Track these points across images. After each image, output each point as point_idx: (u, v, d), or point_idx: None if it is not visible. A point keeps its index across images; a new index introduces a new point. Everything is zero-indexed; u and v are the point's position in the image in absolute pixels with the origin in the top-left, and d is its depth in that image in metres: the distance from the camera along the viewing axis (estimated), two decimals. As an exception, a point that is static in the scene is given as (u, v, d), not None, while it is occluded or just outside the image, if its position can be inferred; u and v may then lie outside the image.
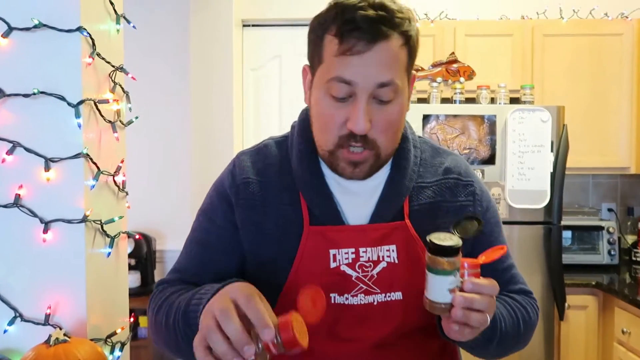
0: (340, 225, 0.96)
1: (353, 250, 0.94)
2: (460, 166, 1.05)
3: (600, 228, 2.99)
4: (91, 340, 1.22)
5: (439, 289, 0.83)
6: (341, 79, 0.88)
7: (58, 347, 1.12)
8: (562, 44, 2.97)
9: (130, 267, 2.98)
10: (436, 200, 1.00)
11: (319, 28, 0.92)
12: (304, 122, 1.02)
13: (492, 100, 2.73)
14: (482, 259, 0.86)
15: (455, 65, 2.82)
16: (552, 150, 2.58)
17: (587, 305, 2.74)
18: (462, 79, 2.77)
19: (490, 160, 2.60)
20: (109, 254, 1.33)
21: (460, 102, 2.71)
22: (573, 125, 2.71)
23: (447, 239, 0.83)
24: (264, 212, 0.98)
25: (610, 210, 3.23)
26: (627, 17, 3.03)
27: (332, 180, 0.98)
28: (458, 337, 0.86)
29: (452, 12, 3.19)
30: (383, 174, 0.99)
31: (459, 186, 1.03)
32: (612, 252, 2.96)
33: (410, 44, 0.90)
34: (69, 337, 1.15)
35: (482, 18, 3.15)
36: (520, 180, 2.57)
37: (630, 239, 3.15)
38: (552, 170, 2.59)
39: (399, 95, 0.90)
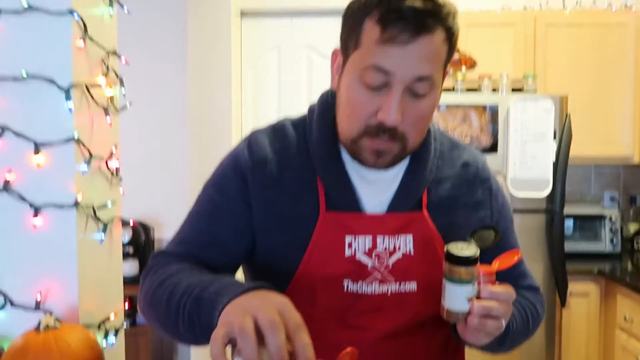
0: (358, 213, 0.92)
1: (370, 238, 0.90)
2: (477, 161, 1.02)
3: (603, 217, 2.91)
4: (83, 326, 1.18)
5: (456, 297, 0.81)
6: (379, 67, 0.82)
7: (48, 333, 1.07)
8: (565, 34, 2.88)
9: (129, 255, 2.93)
10: (454, 194, 0.97)
11: (359, 11, 0.85)
12: (325, 106, 0.96)
13: (494, 90, 2.65)
14: (497, 264, 0.85)
15: (456, 55, 2.74)
16: (554, 140, 2.50)
17: (589, 292, 2.67)
18: (463, 69, 2.70)
19: (492, 148, 2.53)
20: (102, 240, 1.28)
21: (462, 91, 2.63)
22: (576, 115, 2.63)
23: (465, 248, 0.82)
24: (280, 194, 0.92)
25: (612, 199, 3.15)
26: (631, 8, 2.93)
27: (351, 167, 0.93)
28: (473, 341, 0.85)
29: (453, 2, 3.10)
30: (403, 163, 0.95)
31: (476, 181, 1.00)
32: (614, 241, 2.89)
33: (452, 41, 0.86)
34: (60, 323, 1.11)
35: (483, 8, 3.07)
36: (522, 169, 2.50)
37: (633, 227, 3.07)
38: (554, 159, 2.51)
39: (434, 90, 0.86)
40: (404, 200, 0.93)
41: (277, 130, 0.98)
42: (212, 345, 0.63)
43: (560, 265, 2.54)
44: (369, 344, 0.91)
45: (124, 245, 3.06)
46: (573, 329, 2.66)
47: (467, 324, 0.82)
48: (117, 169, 1.38)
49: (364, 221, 0.91)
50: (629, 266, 2.78)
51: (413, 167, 0.94)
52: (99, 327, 1.26)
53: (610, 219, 2.89)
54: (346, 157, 0.93)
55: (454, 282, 0.81)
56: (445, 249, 0.82)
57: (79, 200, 1.18)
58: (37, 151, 1.17)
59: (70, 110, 1.17)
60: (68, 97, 1.17)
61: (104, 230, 1.28)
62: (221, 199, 0.94)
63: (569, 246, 2.77)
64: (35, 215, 1.17)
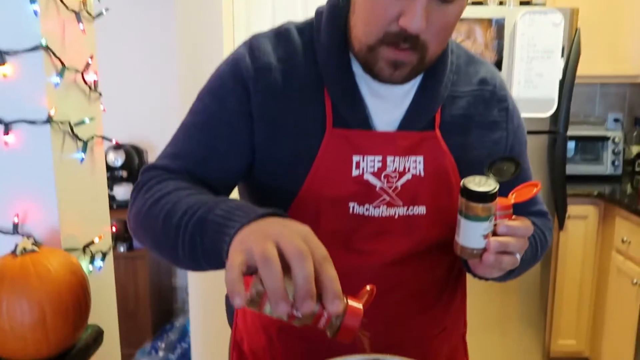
0: (367, 130, 0.84)
1: (380, 158, 0.83)
2: (495, 78, 0.94)
3: (606, 138, 2.81)
4: (65, 250, 1.10)
5: (472, 234, 0.76)
6: None
7: (25, 257, 0.99)
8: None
9: (122, 179, 2.86)
10: (469, 112, 0.89)
11: None
12: (335, 9, 0.86)
13: (501, 3, 2.47)
14: (514, 197, 0.79)
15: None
16: (562, 56, 2.35)
17: (587, 215, 2.62)
18: (469, -20, 2.50)
19: (497, 66, 2.38)
20: (83, 159, 1.17)
21: (467, 4, 2.45)
22: (584, 30, 2.46)
23: (483, 183, 0.75)
24: (284, 106, 0.83)
25: (616, 120, 3.03)
26: None
27: (362, 80, 0.84)
28: (483, 275, 0.82)
29: None
30: (416, 78, 0.86)
31: (493, 100, 0.92)
32: (616, 163, 2.81)
33: None
34: (39, 247, 1.02)
35: None
36: (527, 87, 2.36)
37: (635, 149, 2.98)
38: (561, 78, 2.38)
39: None
40: (417, 118, 0.85)
41: (280, 35, 0.87)
42: (229, 271, 0.55)
43: (561, 188, 2.47)
44: (373, 269, 0.85)
45: (117, 169, 2.99)
46: (569, 252, 2.64)
47: (482, 261, 0.78)
48: (95, 83, 1.26)
49: (373, 140, 0.83)
50: (629, 188, 2.71)
51: (427, 83, 0.86)
52: (84, 251, 1.18)
53: (614, 140, 2.80)
54: (357, 68, 0.84)
55: (469, 218, 0.75)
56: (461, 184, 0.76)
57: (52, 115, 1.07)
58: (2, 61, 1.04)
59: (35, 13, 1.03)
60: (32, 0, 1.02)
61: (84, 149, 1.18)
62: (219, 110, 0.84)
63: (569, 169, 2.69)
64: (7, 132, 1.06)
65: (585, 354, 2.70)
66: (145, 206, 0.76)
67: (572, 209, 2.56)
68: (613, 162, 2.81)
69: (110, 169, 2.92)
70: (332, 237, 0.82)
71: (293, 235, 0.58)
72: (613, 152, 2.80)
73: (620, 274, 2.43)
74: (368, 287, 0.65)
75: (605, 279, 2.57)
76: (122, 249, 2.80)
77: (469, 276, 0.96)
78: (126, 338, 2.87)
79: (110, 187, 2.85)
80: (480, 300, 2.49)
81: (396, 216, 0.84)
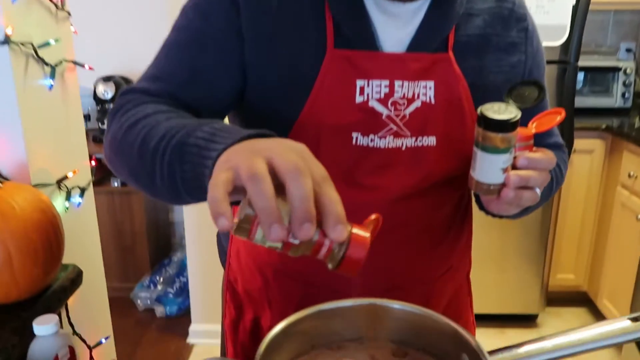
0: (373, 51, 0.75)
1: (387, 83, 0.75)
2: None
3: (617, 69, 2.66)
4: (36, 186, 1.00)
5: (489, 168, 0.69)
6: None
7: (-12, 194, 0.89)
8: None
9: (113, 111, 2.73)
10: (486, 32, 0.80)
11: None
12: None
13: None
14: (534, 127, 0.72)
15: None
16: (576, -21, 2.17)
17: (594, 149, 2.51)
18: None
19: (507, -10, 2.20)
20: (52, 86, 1.05)
21: None
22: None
23: (503, 110, 0.68)
24: (280, 23, 0.74)
25: (628, 50, 2.86)
26: None
27: None
28: (498, 212, 0.77)
29: None
30: None
31: (512, 18, 0.82)
32: (626, 95, 2.66)
33: None
34: (2, 183, 0.92)
35: None
36: (538, 13, 2.19)
37: (646, 81, 2.83)
38: (574, 3, 2.20)
39: None
40: (428, 38, 0.76)
41: None
42: (212, 189, 0.45)
43: (569, 121, 2.35)
44: (377, 206, 0.75)
45: (107, 101, 2.86)
46: (573, 187, 2.55)
47: (500, 197, 0.71)
48: (62, 1, 1.11)
49: (379, 62, 0.74)
50: (638, 122, 2.59)
51: None
52: (59, 187, 1.08)
53: (625, 71, 2.64)
54: None
55: (487, 150, 0.68)
56: (478, 112, 0.68)
57: (10, 34, 0.94)
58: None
59: None
60: None
61: (52, 75, 1.05)
62: (206, 28, 0.74)
63: (577, 101, 2.55)
64: (-40, 54, 0.93)
65: (583, 288, 2.66)
66: (120, 132, 0.67)
67: (578, 143, 2.45)
68: (623, 95, 2.66)
69: (100, 101, 2.78)
70: (333, 171, 0.73)
71: (287, 150, 0.48)
72: (624, 83, 2.65)
73: (624, 210, 2.35)
74: (373, 216, 0.55)
75: (608, 214, 2.49)
76: (115, 184, 2.71)
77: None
78: (124, 273, 2.85)
79: (101, 121, 2.73)
80: (478, 235, 2.40)
81: (403, 147, 0.76)
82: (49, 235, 0.90)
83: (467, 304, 1.03)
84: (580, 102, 2.64)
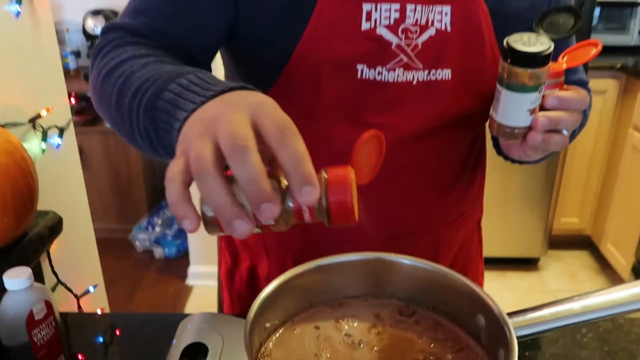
0: None
1: (397, 7, 0.66)
2: None
3: (635, 4, 2.49)
4: (5, 125, 0.90)
5: (515, 109, 0.61)
6: None
7: (-51, 134, 0.79)
8: None
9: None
10: None
11: None
12: None
13: None
14: (565, 61, 0.63)
15: None
16: None
17: (607, 89, 2.38)
18: None
19: None
20: (18, 13, 0.93)
21: None
22: None
23: (533, 41, 0.59)
24: None
25: (648, -17, 2.67)
26: None
27: None
28: (519, 158, 0.71)
29: None
30: None
31: None
32: (644, 32, 2.51)
33: None
34: (-35, 121, 0.82)
35: None
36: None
37: (665, 17, 2.66)
38: None
39: None
40: None
41: None
42: (168, 188, 0.41)
43: (582, 58, 2.21)
44: (385, 148, 0.66)
45: (97, 37, 2.70)
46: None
47: (526, 142, 0.63)
48: None
49: None
50: (654, 61, 2.44)
51: None
52: (34, 127, 0.98)
53: (644, 6, 2.48)
54: None
55: (513, 89, 0.60)
56: (504, 44, 0.60)
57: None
58: None
59: None
60: None
61: (18, 0, 0.92)
62: None
63: (591, 39, 2.40)
64: None
65: (586, 232, 2.60)
66: (98, 80, 0.61)
67: (591, 83, 2.31)
68: (640, 32, 2.51)
69: (90, 37, 2.63)
70: (336, 109, 0.68)
71: (233, 117, 0.41)
72: (642, 19, 2.49)
73: (635, 152, 2.25)
74: (367, 135, 0.47)
75: (617, 157, 2.39)
76: (108, 124, 2.60)
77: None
78: (121, 214, 2.79)
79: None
80: (484, 178, 2.34)
81: (415, 82, 0.68)
82: (19, 180, 0.81)
83: (477, 253, 0.97)
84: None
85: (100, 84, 0.61)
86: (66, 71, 2.70)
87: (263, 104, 0.42)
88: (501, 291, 2.22)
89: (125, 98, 0.56)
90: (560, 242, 2.63)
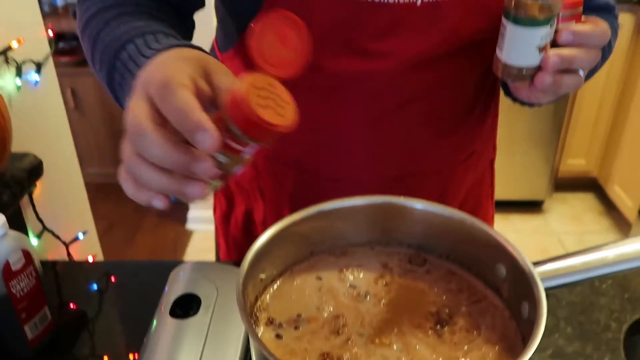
0: None
1: None
2: None
3: None
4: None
5: (522, 47, 0.54)
6: None
7: None
8: None
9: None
10: None
11: None
12: None
13: None
14: None
15: None
16: None
17: (622, 24, 2.22)
18: None
19: None
20: None
21: None
22: None
23: None
24: None
25: None
26: None
27: None
28: (528, 100, 0.62)
29: None
30: None
31: None
32: (664, -39, 2.34)
33: None
34: None
35: None
36: None
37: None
38: None
39: None
40: None
41: None
42: (122, 184, 0.43)
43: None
44: (385, 77, 0.63)
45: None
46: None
47: (534, 84, 0.55)
48: None
49: None
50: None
51: None
52: (6, 60, 0.89)
53: None
54: None
55: (521, 23, 0.52)
56: None
57: None
58: None
59: None
60: None
61: None
62: None
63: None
64: None
65: (592, 174, 2.54)
66: (79, 29, 0.62)
67: (605, 17, 2.19)
68: (661, -39, 2.34)
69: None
70: (330, 35, 0.61)
71: (136, 101, 0.41)
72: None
73: (648, 92, 2.15)
74: (263, 20, 0.41)
75: (629, 96, 2.29)
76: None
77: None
78: (115, 157, 2.72)
79: (79, -7, 2.43)
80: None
81: (418, 2, 0.60)
82: (-11, 118, 0.73)
83: (488, 196, 0.91)
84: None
85: (80, 34, 0.62)
86: (54, 8, 2.57)
87: (159, 65, 0.43)
88: (504, 234, 2.17)
89: (95, 57, 0.57)
90: (565, 184, 2.57)
